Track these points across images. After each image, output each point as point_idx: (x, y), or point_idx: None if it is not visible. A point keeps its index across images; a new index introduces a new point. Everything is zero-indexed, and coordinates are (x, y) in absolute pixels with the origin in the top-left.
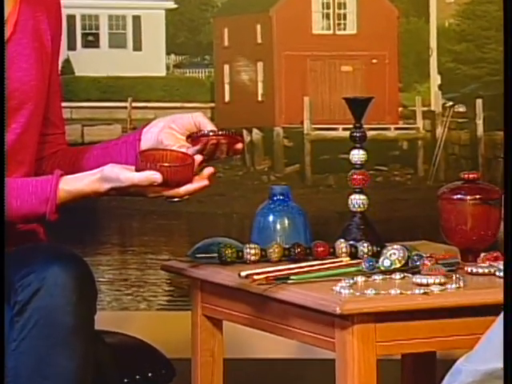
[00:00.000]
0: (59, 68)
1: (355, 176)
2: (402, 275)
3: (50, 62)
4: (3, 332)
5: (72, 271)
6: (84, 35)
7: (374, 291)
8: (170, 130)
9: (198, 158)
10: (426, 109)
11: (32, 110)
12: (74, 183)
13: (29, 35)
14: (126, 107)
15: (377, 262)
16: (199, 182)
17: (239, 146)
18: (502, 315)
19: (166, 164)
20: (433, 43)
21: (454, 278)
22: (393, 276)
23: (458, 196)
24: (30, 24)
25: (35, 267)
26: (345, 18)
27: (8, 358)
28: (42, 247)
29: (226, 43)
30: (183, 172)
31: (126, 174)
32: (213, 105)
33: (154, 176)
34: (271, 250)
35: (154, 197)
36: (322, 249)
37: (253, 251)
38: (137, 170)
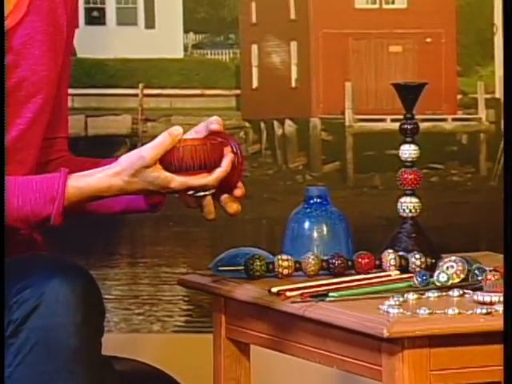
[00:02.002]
0: (71, 59)
1: (406, 175)
2: (461, 292)
3: (63, 50)
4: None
5: (76, 286)
6: (87, 10)
7: (427, 310)
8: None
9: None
10: (489, 96)
11: (40, 104)
12: (86, 179)
13: (43, 18)
14: (136, 95)
15: (431, 276)
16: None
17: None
18: None
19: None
20: (498, 19)
21: None
22: (450, 293)
23: None
24: (45, 5)
25: (32, 281)
26: None
27: None
28: (41, 258)
29: (254, 20)
30: (216, 151)
31: (148, 150)
32: (238, 92)
33: (174, 131)
34: (307, 262)
35: (180, 191)
36: (366, 261)
37: (285, 263)
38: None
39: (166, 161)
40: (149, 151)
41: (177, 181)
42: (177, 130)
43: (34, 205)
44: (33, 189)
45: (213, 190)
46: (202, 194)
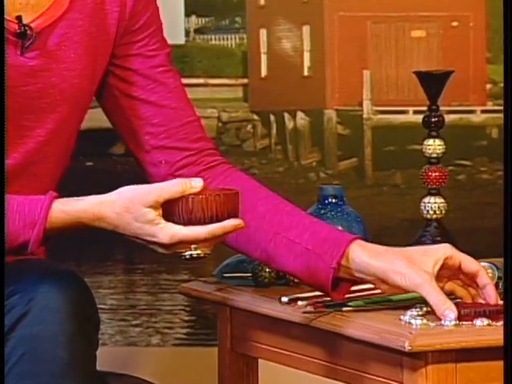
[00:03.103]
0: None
1: (430, 173)
2: None
3: (109, 54)
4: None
5: (68, 292)
6: None
7: (453, 322)
8: None
9: None
10: None
11: (65, 116)
12: (75, 203)
13: (86, 15)
14: None
15: None
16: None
17: None
18: None
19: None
20: None
21: None
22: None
23: None
24: (90, 0)
25: (21, 286)
26: None
27: None
28: (31, 262)
29: (263, 1)
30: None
31: (156, 189)
32: (245, 81)
33: (193, 182)
34: None
35: (168, 246)
36: None
37: None
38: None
39: (173, 211)
40: (157, 188)
41: (167, 232)
42: (198, 182)
43: (12, 227)
44: (14, 209)
45: (208, 252)
46: (194, 253)
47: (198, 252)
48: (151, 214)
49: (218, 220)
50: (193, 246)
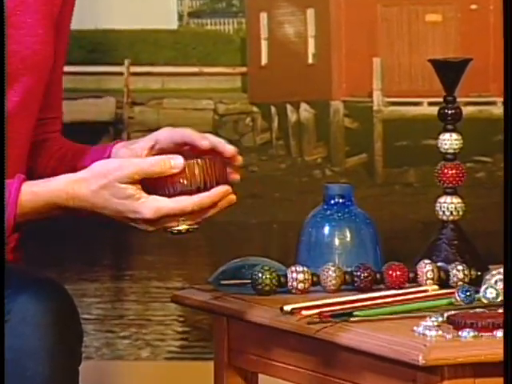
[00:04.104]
0: (70, 27)
1: (446, 170)
2: None
3: (56, 16)
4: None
5: (47, 303)
6: None
7: (472, 333)
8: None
9: None
10: None
11: (30, 85)
12: (45, 183)
13: None
14: (121, 73)
15: (476, 291)
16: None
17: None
18: None
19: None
20: None
21: None
22: (500, 311)
23: None
24: None
25: None
26: None
27: None
28: (8, 270)
29: None
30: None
31: (131, 163)
32: (244, 70)
33: (172, 161)
34: (326, 275)
35: (153, 221)
36: (398, 273)
37: (301, 276)
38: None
39: (154, 183)
40: (132, 165)
41: (150, 205)
42: (178, 162)
43: None
44: None
45: (195, 226)
46: (182, 228)
47: (186, 226)
48: (129, 189)
49: (206, 189)
50: (180, 219)
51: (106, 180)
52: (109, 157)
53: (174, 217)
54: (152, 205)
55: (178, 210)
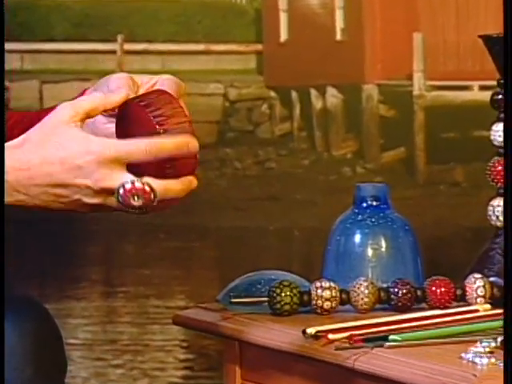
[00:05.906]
0: None
1: (501, 168)
2: None
3: None
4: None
5: (24, 325)
6: None
7: None
8: None
9: None
10: None
11: None
12: None
13: None
14: (114, 51)
15: None
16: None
17: None
18: None
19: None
20: None
21: None
22: None
23: None
24: None
25: None
26: None
27: None
28: None
29: None
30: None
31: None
32: (260, 47)
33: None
34: (358, 292)
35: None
36: (442, 290)
37: (327, 293)
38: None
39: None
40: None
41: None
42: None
43: None
44: None
45: (156, 198)
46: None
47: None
48: (74, 129)
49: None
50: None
51: (48, 130)
52: None
53: (124, 166)
54: (102, 140)
55: (133, 146)
